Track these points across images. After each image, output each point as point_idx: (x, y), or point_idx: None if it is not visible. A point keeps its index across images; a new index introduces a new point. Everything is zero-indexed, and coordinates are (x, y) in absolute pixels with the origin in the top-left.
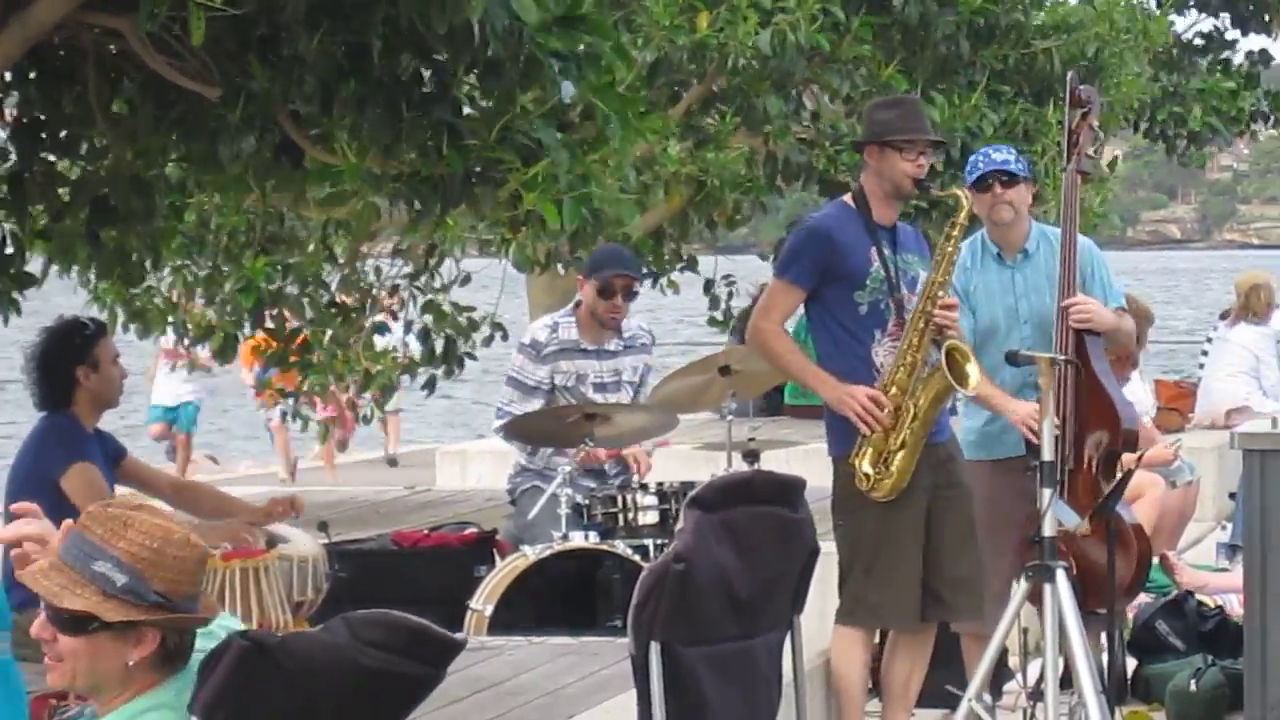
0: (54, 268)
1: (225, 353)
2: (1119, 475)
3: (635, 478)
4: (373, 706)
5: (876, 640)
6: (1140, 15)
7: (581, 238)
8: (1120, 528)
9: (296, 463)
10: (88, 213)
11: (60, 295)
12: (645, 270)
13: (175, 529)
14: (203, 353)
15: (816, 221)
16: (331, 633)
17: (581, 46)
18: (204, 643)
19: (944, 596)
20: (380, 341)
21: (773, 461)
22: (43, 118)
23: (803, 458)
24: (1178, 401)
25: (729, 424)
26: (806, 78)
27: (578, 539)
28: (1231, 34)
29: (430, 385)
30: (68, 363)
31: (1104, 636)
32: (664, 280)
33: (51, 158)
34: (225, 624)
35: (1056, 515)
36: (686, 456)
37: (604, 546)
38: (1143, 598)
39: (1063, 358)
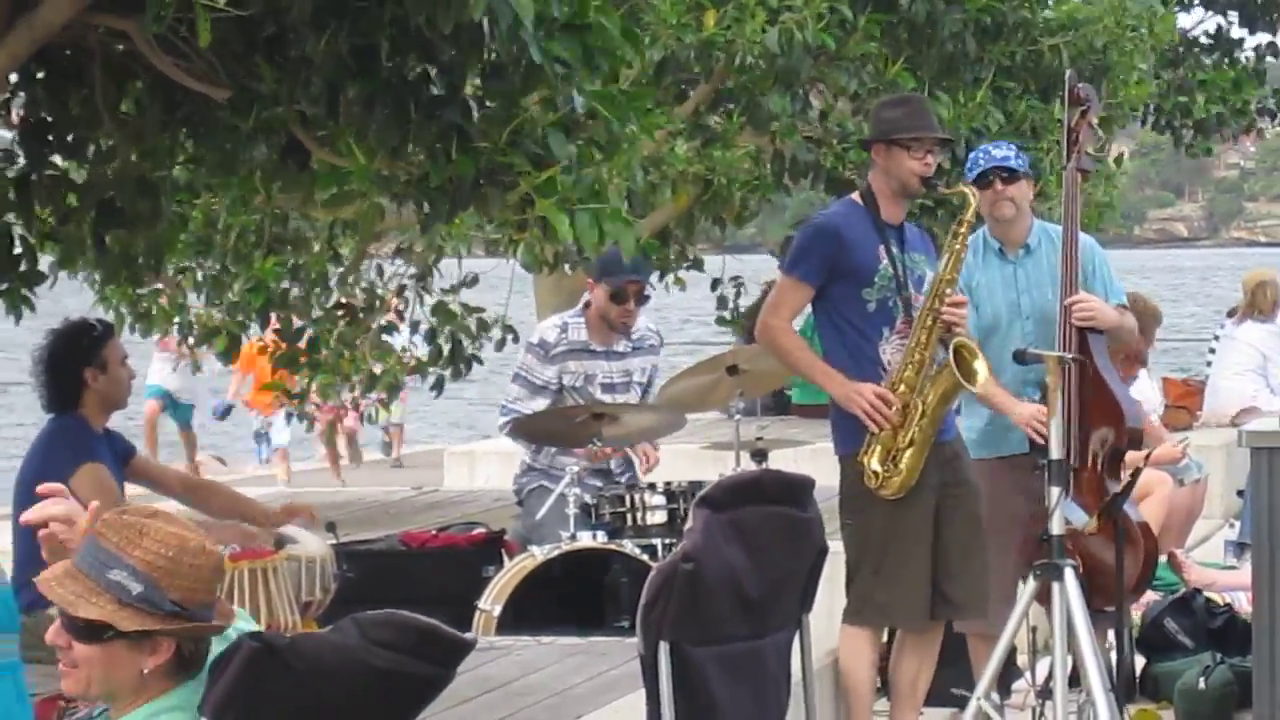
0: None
1: (229, 354)
2: (1127, 474)
3: (640, 466)
4: (382, 707)
5: (884, 639)
6: (1146, 12)
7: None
8: (1126, 526)
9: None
10: (94, 216)
11: (71, 296)
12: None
13: (191, 537)
14: (204, 351)
15: (825, 219)
16: (341, 633)
17: (582, 52)
18: (217, 645)
19: (952, 595)
20: (387, 342)
21: (781, 461)
22: (50, 119)
23: (810, 457)
24: (1185, 399)
25: (737, 423)
26: (813, 76)
27: (586, 539)
28: (1239, 33)
29: (439, 386)
30: (76, 364)
31: (1112, 635)
32: (669, 277)
33: (59, 161)
34: (238, 625)
35: (1065, 514)
36: (694, 456)
37: (612, 546)
38: (1151, 596)
39: (1070, 356)
